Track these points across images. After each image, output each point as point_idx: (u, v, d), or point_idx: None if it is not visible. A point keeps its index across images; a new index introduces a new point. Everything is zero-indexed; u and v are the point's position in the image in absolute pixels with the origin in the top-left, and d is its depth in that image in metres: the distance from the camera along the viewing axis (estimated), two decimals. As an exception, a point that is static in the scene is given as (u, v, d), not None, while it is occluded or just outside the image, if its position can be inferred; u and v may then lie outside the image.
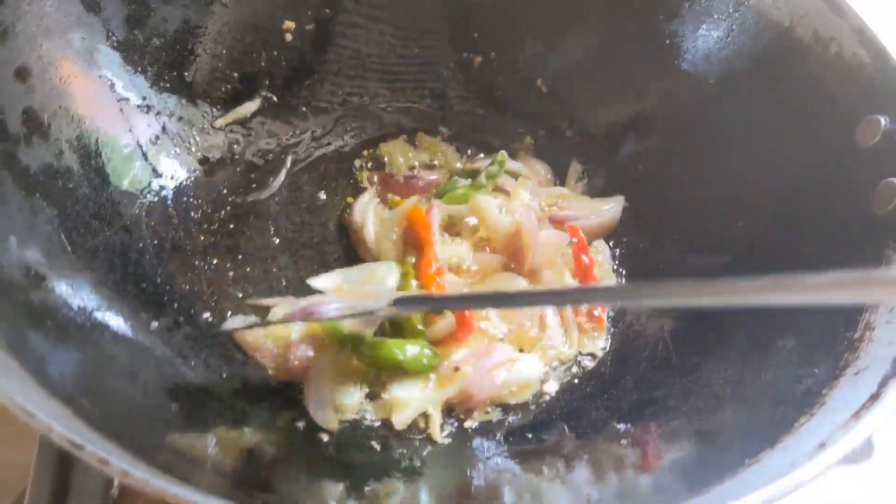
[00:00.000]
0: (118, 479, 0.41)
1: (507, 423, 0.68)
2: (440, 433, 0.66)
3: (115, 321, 0.62)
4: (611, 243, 0.83)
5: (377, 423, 0.67)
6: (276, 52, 0.85)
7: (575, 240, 0.79)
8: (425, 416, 0.68)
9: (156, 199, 0.75)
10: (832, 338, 0.57)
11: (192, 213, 0.76)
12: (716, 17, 0.78)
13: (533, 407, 0.70)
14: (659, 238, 0.80)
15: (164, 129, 0.77)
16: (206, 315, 0.71)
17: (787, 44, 0.73)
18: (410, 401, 0.66)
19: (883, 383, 0.50)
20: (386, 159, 0.86)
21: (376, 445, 0.65)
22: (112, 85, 0.73)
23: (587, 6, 0.83)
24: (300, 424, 0.63)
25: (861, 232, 0.62)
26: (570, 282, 0.78)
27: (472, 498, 0.59)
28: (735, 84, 0.77)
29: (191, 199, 0.77)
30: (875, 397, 0.49)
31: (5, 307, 0.52)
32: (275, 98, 0.86)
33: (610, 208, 0.83)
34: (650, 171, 0.83)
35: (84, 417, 0.44)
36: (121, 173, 0.71)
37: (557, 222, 0.81)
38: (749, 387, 0.61)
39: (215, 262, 0.75)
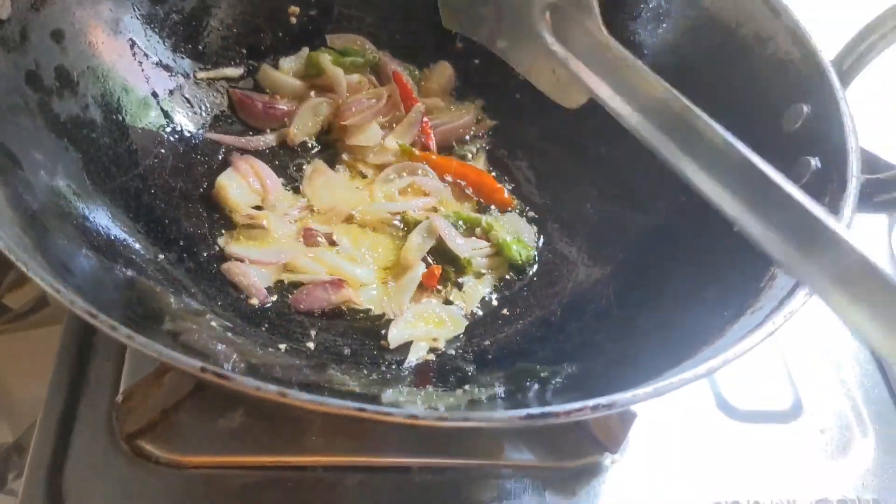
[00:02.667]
0: (126, 343, 0.48)
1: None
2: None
3: (126, 248, 0.72)
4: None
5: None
6: (280, 33, 0.96)
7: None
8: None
9: (168, 152, 0.84)
10: (745, 287, 0.67)
11: (199, 168, 0.86)
12: (673, 17, 0.88)
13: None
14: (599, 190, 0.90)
15: (178, 87, 0.88)
16: (206, 254, 0.80)
17: (733, 42, 0.83)
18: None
19: (769, 316, 0.59)
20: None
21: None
22: (134, 48, 0.83)
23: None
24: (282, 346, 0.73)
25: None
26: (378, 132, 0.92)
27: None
28: (686, 74, 0.87)
29: (198, 155, 0.87)
30: (757, 327, 0.57)
31: (37, 219, 0.61)
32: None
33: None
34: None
35: (94, 303, 0.53)
36: (137, 115, 0.81)
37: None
38: (675, 330, 0.70)
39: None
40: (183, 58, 0.89)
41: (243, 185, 0.84)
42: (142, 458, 0.75)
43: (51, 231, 0.63)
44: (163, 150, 0.84)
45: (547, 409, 0.49)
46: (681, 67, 0.87)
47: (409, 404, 0.66)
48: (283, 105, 0.92)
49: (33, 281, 0.51)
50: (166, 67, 0.87)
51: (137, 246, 0.73)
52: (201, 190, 0.85)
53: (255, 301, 0.77)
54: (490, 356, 0.77)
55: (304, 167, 0.91)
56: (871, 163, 0.78)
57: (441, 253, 0.85)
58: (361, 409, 0.48)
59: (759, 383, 0.91)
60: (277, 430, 0.78)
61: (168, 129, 0.86)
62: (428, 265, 0.83)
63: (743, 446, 0.85)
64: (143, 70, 0.84)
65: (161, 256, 0.74)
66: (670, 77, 0.86)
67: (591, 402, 0.50)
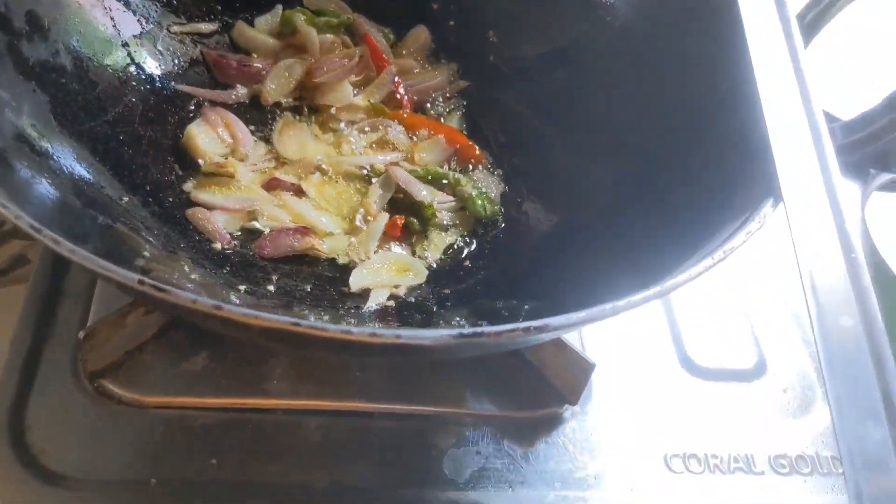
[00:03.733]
0: (68, 257, 0.49)
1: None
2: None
3: (91, 187, 0.73)
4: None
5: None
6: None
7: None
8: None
9: (138, 101, 0.86)
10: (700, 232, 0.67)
11: (169, 118, 0.87)
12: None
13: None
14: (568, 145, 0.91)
15: (152, 36, 0.90)
16: (171, 200, 0.81)
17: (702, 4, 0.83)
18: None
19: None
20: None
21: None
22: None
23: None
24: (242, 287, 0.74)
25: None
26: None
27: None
28: (656, 38, 0.88)
29: (169, 106, 0.88)
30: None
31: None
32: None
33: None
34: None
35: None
36: (103, 55, 0.82)
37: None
38: (629, 273, 0.71)
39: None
40: (157, 8, 0.90)
41: (213, 134, 0.86)
42: (105, 397, 0.76)
43: (14, 166, 0.64)
44: (133, 99, 0.85)
45: (478, 329, 0.50)
46: (648, 29, 0.88)
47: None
48: (257, 63, 0.94)
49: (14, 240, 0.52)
50: (138, 14, 0.88)
51: (103, 186, 0.74)
52: (171, 139, 0.86)
53: (218, 246, 0.79)
54: (449, 303, 0.78)
55: (275, 121, 0.92)
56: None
57: (408, 206, 0.86)
58: (296, 324, 0.49)
59: (724, 343, 0.92)
60: (240, 374, 0.79)
61: (137, 76, 0.87)
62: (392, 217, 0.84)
63: (704, 403, 0.86)
64: (112, 17, 0.85)
65: (125, 199, 0.75)
66: (638, 37, 0.89)
67: (522, 325, 0.51)
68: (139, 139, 0.83)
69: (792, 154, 0.66)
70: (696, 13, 0.83)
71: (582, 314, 0.52)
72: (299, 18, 0.94)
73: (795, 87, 0.71)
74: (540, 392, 0.83)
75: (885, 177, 1.03)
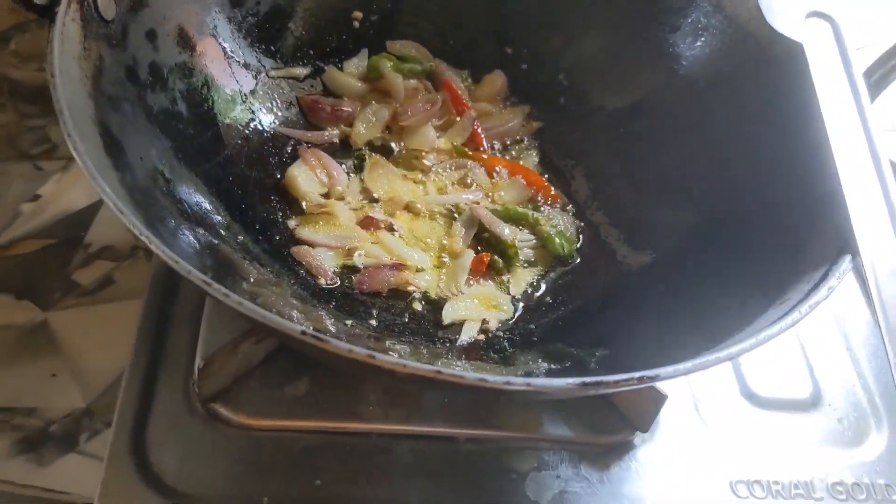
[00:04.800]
0: (221, 300, 0.55)
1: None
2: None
3: (214, 226, 0.80)
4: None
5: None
6: (344, 37, 1.04)
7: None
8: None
9: (244, 144, 0.92)
10: (774, 281, 0.73)
11: (270, 158, 0.94)
12: (710, 32, 0.95)
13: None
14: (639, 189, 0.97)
15: (256, 83, 0.96)
16: (278, 237, 0.88)
17: (766, 58, 0.89)
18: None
19: (795, 307, 0.66)
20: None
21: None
22: (220, 47, 0.91)
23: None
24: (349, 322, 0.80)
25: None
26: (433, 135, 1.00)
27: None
28: (719, 86, 0.93)
29: (270, 147, 0.95)
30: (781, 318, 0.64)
31: (143, 197, 0.69)
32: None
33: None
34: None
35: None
36: (224, 111, 0.89)
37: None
38: (704, 319, 0.77)
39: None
40: (260, 56, 0.97)
41: (311, 175, 0.92)
42: (216, 420, 0.83)
43: (156, 207, 0.70)
44: (239, 142, 0.91)
45: (600, 378, 0.56)
46: (713, 80, 0.94)
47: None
48: (347, 107, 1.00)
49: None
50: (246, 66, 0.94)
51: (224, 222, 0.81)
52: (273, 179, 0.93)
53: (322, 281, 0.85)
54: (535, 338, 0.84)
55: (365, 161, 0.98)
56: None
57: (492, 244, 0.92)
58: (438, 372, 0.55)
59: (782, 374, 0.97)
60: (338, 399, 0.85)
61: (250, 124, 0.93)
62: (478, 254, 0.90)
63: (765, 432, 0.92)
64: (230, 67, 0.92)
65: (241, 237, 0.82)
66: (703, 88, 0.95)
67: (636, 374, 0.57)
68: (246, 179, 0.89)
69: (864, 208, 0.71)
70: (759, 64, 0.88)
71: (689, 364, 0.58)
72: (385, 65, 1.00)
73: (864, 143, 0.77)
74: (612, 419, 0.89)
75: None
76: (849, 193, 0.72)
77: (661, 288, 0.87)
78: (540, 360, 0.78)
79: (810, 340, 1.01)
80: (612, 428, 0.88)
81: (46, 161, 1.11)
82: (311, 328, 0.69)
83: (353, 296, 0.86)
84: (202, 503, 0.78)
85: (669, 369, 0.58)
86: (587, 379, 0.56)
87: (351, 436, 0.84)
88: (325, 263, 0.86)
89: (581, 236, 0.97)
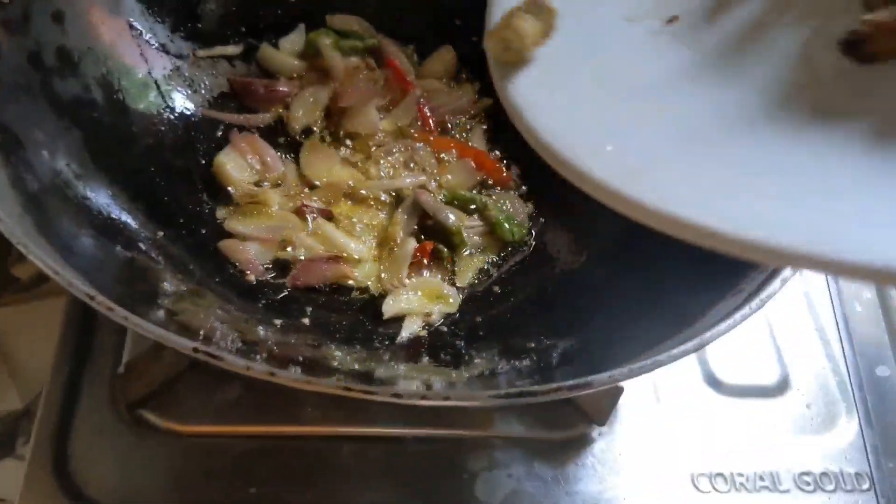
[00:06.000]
0: (122, 323, 0.51)
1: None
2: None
3: (126, 226, 0.74)
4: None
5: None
6: (279, 11, 0.97)
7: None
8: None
9: (167, 130, 0.86)
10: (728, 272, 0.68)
11: (198, 145, 0.88)
12: None
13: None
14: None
15: (177, 67, 0.89)
16: (204, 231, 0.82)
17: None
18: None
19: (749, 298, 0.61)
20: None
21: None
22: (134, 29, 0.85)
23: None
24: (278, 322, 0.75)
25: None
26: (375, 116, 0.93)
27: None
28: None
29: (197, 133, 0.89)
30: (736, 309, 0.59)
31: (38, 199, 0.63)
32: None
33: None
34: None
35: (95, 285, 0.55)
36: (136, 98, 0.83)
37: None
38: (662, 309, 0.72)
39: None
40: (182, 38, 0.90)
41: (242, 162, 0.86)
42: (143, 426, 0.78)
43: (52, 211, 0.65)
44: (162, 129, 0.85)
45: (524, 388, 0.51)
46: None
47: (406, 380, 0.68)
48: (283, 87, 0.93)
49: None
50: (164, 48, 0.88)
51: (136, 224, 0.75)
52: (201, 167, 0.87)
53: (252, 277, 0.80)
54: (481, 333, 0.79)
55: (302, 145, 0.92)
56: None
57: (436, 232, 0.86)
58: (347, 389, 0.50)
59: (747, 359, 0.93)
60: (273, 402, 0.81)
61: (167, 110, 0.87)
62: (420, 242, 0.85)
63: (729, 420, 0.88)
64: (141, 51, 0.85)
65: (160, 233, 0.76)
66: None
67: (567, 383, 0.52)
68: (170, 169, 0.83)
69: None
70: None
71: (625, 370, 0.54)
72: (324, 43, 0.93)
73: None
74: (567, 413, 0.85)
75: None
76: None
77: (617, 276, 0.82)
78: (497, 358, 0.72)
79: (778, 322, 0.96)
80: (567, 423, 0.85)
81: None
82: (233, 338, 0.65)
83: (286, 294, 0.81)
84: (129, 516, 0.74)
85: (604, 376, 0.53)
86: (510, 390, 0.51)
87: (289, 440, 0.81)
88: (256, 258, 0.81)
89: (536, 220, 0.91)
